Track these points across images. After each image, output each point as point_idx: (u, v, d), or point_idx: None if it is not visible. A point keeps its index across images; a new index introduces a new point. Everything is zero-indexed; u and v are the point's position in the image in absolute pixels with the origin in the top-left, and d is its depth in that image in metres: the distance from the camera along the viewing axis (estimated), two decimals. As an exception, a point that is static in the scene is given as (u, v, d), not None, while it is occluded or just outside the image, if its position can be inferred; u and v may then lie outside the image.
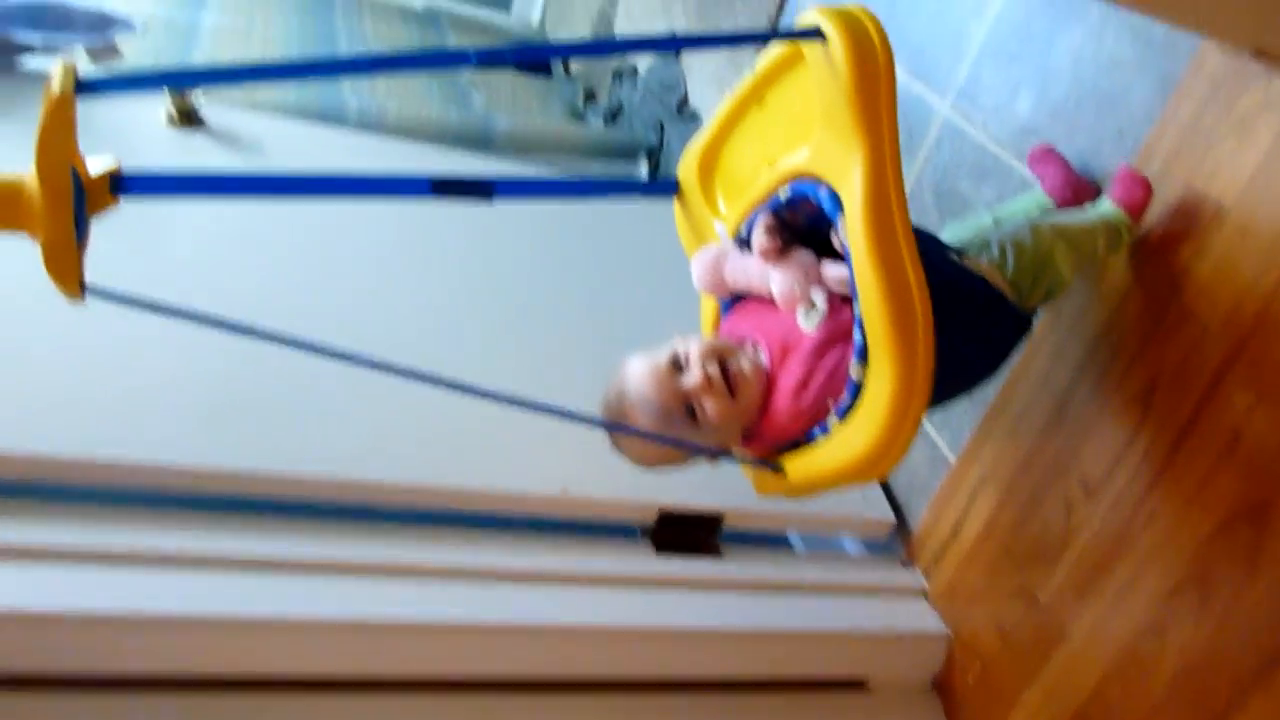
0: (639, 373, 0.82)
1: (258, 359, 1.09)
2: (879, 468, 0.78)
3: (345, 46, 2.35)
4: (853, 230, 0.76)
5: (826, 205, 0.81)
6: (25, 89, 1.39)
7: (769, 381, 0.82)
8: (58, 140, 0.65)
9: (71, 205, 0.63)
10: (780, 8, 1.74)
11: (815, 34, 0.77)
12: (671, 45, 0.82)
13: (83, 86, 0.70)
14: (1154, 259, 0.99)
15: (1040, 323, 1.10)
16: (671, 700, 1.10)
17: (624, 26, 2.42)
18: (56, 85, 0.68)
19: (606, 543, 1.14)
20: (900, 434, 0.77)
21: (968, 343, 0.89)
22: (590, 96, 2.53)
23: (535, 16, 3.08)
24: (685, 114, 2.03)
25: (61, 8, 1.41)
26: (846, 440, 0.77)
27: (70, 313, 0.68)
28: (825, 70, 0.78)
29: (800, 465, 0.85)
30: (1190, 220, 0.96)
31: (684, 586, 1.12)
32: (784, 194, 0.88)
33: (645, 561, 1.12)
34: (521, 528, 1.12)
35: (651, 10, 2.27)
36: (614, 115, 2.31)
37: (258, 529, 0.99)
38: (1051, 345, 1.09)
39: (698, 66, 2.02)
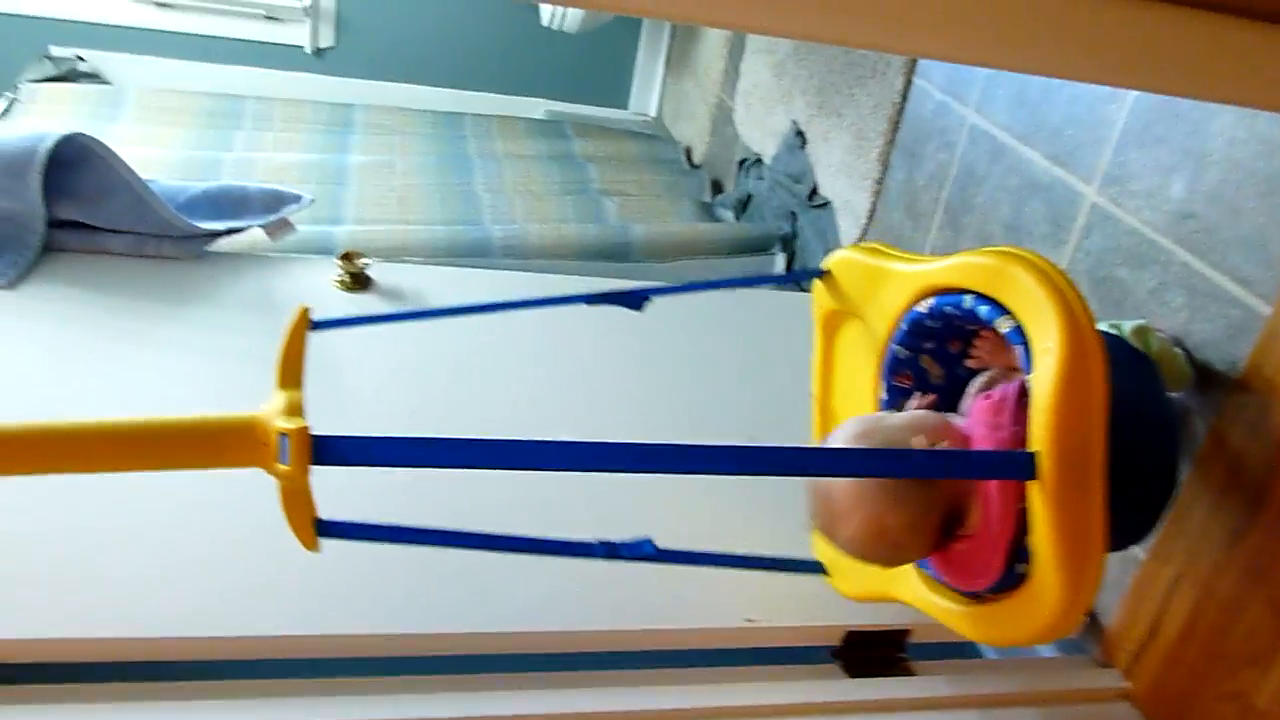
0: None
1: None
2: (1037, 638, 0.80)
3: (479, 165, 2.47)
4: (1039, 427, 0.75)
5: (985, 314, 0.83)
6: (212, 273, 1.53)
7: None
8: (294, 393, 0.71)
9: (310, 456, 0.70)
10: (904, 95, 1.76)
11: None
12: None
13: (314, 325, 0.77)
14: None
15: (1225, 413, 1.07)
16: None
17: (743, 117, 2.47)
18: (292, 324, 0.75)
19: (795, 671, 1.14)
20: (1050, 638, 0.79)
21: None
22: (718, 189, 2.58)
23: (652, 109, 3.17)
24: (815, 202, 2.05)
25: (239, 192, 1.54)
26: (993, 617, 0.80)
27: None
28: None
29: (929, 600, 0.87)
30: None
31: (881, 710, 1.11)
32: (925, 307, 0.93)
33: (838, 686, 1.12)
34: (700, 663, 1.14)
35: (770, 99, 2.31)
36: (743, 206, 2.35)
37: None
38: (1241, 433, 1.06)
39: (824, 155, 2.04)
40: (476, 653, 1.08)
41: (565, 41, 2.87)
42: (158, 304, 1.45)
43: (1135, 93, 1.23)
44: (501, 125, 2.74)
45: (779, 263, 2.10)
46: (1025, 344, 0.80)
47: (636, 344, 1.54)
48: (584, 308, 1.06)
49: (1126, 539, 1.02)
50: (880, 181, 1.84)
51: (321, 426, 0.68)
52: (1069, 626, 0.75)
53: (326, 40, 2.94)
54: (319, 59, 2.95)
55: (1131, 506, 0.81)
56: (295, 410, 0.71)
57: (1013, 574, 0.79)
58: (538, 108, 2.97)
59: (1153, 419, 1.00)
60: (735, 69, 2.52)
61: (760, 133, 2.35)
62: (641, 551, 0.89)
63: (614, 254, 2.02)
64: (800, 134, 2.14)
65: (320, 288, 1.53)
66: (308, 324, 0.77)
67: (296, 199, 1.54)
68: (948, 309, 0.92)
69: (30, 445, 0.70)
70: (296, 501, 0.72)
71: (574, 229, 2.08)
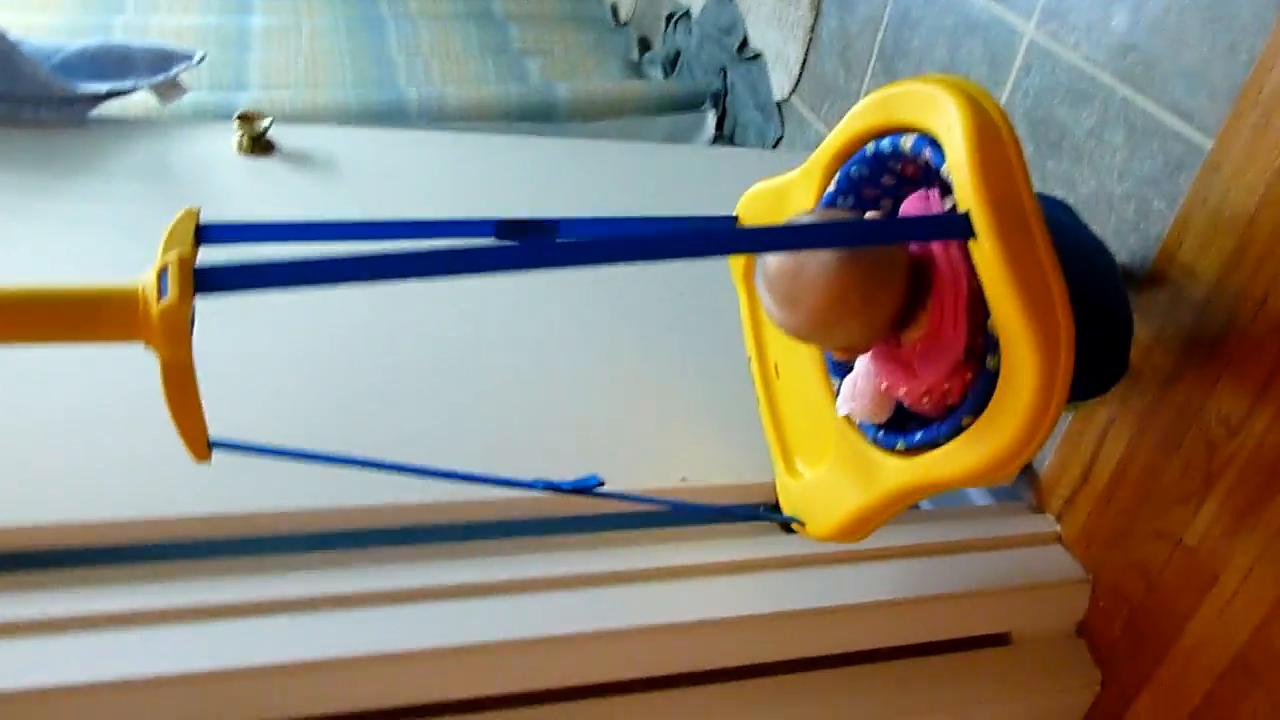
0: None
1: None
2: (1023, 456, 0.77)
3: (393, 26, 2.33)
4: (963, 188, 0.74)
5: (930, 153, 0.79)
6: (96, 140, 1.41)
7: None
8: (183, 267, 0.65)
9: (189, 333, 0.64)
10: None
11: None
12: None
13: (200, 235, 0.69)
14: (1284, 179, 0.93)
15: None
16: (812, 677, 1.10)
17: (670, -32, 2.34)
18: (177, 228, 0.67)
19: (729, 530, 1.13)
20: (1042, 426, 0.76)
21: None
22: (645, 45, 2.47)
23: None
24: (746, 54, 1.97)
25: (121, 50, 1.41)
26: (981, 435, 0.75)
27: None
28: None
29: (926, 463, 0.83)
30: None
31: (814, 564, 1.11)
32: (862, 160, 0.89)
33: (771, 543, 1.11)
34: (638, 526, 1.12)
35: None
36: (672, 63, 2.25)
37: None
38: (1178, 271, 1.04)
39: (754, 5, 1.95)
40: (412, 524, 1.04)
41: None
42: (38, 175, 1.33)
43: (1076, -81, 1.17)
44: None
45: (709, 121, 2.02)
46: (933, 141, 0.79)
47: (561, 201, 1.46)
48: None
49: (1096, 384, 1.00)
50: (812, 30, 1.75)
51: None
52: (1056, 393, 0.72)
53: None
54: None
55: (1093, 349, 0.78)
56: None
57: (984, 373, 0.77)
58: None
59: (1095, 255, 0.98)
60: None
61: (689, -19, 2.24)
62: (586, 485, 0.86)
63: (538, 115, 1.92)
64: (729, -14, 2.04)
65: (218, 155, 1.42)
66: (195, 227, 0.69)
67: (187, 56, 1.41)
68: (852, 172, 0.90)
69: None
70: (179, 380, 0.67)
71: (495, 90, 1.97)
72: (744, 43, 1.98)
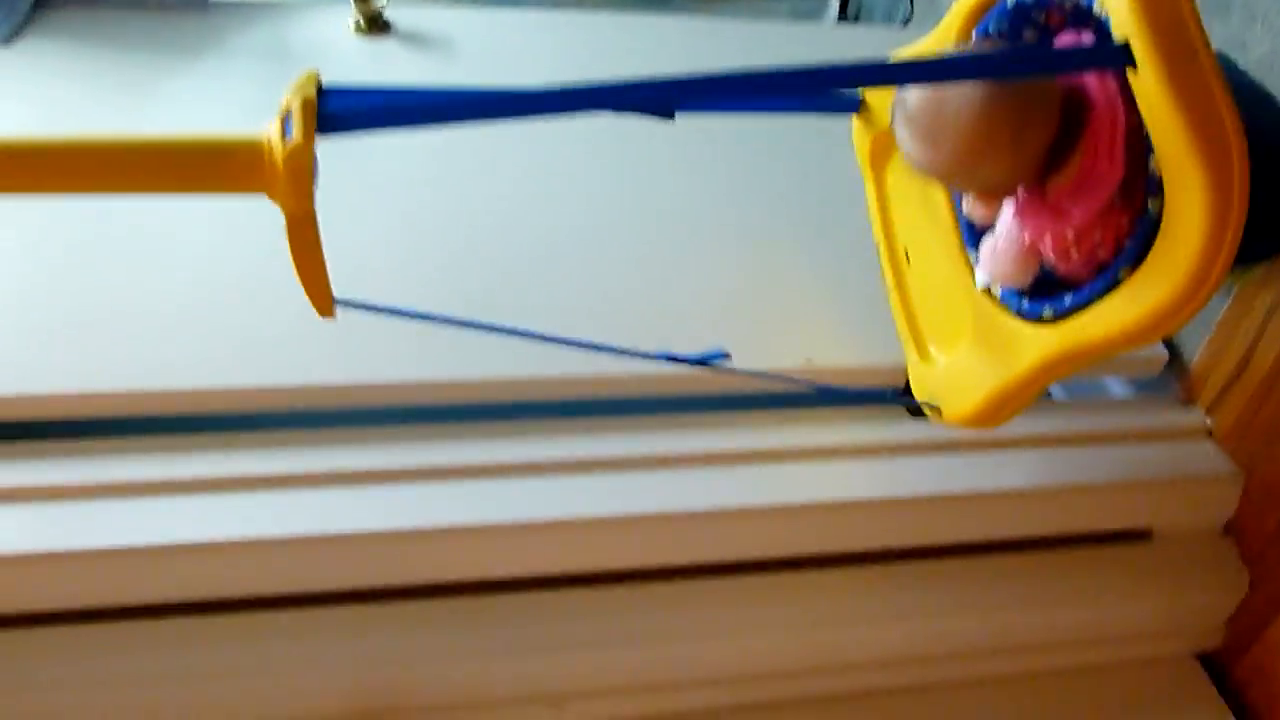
0: None
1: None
2: (1187, 310, 0.71)
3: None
4: (1122, 12, 0.68)
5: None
6: (217, 22, 1.41)
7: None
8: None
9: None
10: None
11: None
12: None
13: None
14: None
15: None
16: (945, 565, 1.07)
17: None
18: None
19: (857, 413, 1.09)
20: (1213, 273, 0.69)
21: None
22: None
23: None
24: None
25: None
26: (1141, 287, 0.70)
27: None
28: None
29: (1077, 327, 0.78)
30: None
31: (945, 449, 1.07)
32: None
33: (902, 427, 1.07)
34: (764, 406, 1.09)
35: None
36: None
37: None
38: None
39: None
40: (530, 399, 1.03)
41: None
42: (162, 56, 1.34)
43: None
44: None
45: (834, 5, 1.93)
46: None
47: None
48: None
49: (1269, 244, 0.92)
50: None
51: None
52: (1230, 233, 0.66)
53: None
54: None
55: (1269, 200, 0.71)
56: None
57: (1144, 219, 0.71)
58: None
59: (1271, 100, 0.90)
60: None
61: None
62: (711, 358, 0.83)
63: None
64: None
65: (336, 36, 1.41)
66: (317, 85, 0.67)
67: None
68: (990, 28, 0.84)
69: (22, 159, 0.63)
70: (304, 232, 0.65)
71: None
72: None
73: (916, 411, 1.07)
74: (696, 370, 0.86)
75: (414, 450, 0.97)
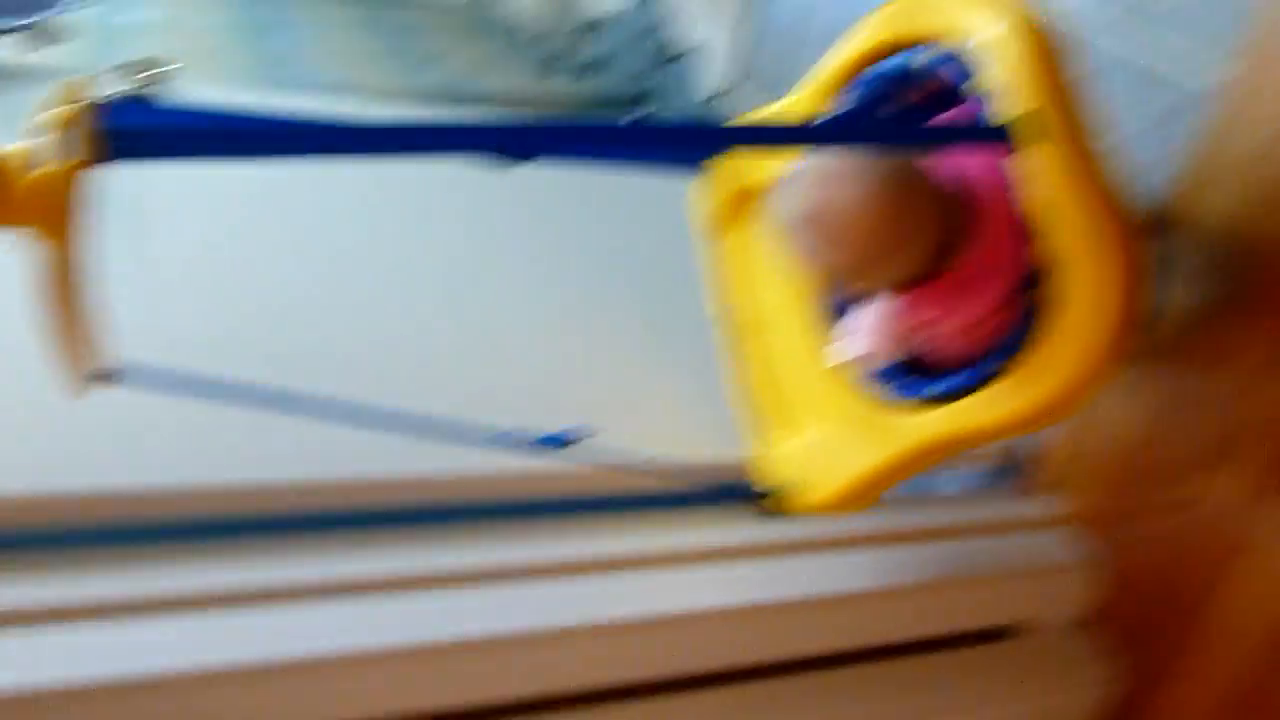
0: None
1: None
2: (1087, 391, 0.70)
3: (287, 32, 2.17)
4: (1011, 94, 0.69)
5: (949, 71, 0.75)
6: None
7: None
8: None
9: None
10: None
11: None
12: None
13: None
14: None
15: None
16: (794, 682, 0.95)
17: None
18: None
19: (695, 512, 0.98)
20: (1113, 350, 0.67)
21: None
22: (557, 59, 2.37)
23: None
24: (673, 54, 1.88)
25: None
26: (1038, 369, 0.69)
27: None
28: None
29: (965, 411, 0.74)
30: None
31: (792, 550, 0.96)
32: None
33: (743, 528, 0.97)
34: (601, 509, 0.96)
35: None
36: (594, 71, 2.15)
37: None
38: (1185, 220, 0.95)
39: (681, 2, 1.87)
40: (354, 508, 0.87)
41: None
42: None
43: None
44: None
45: (634, 123, 1.92)
46: (951, 57, 0.73)
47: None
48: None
49: None
50: (745, 19, 1.68)
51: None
52: (1130, 309, 0.64)
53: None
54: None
55: None
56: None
57: (1037, 300, 0.70)
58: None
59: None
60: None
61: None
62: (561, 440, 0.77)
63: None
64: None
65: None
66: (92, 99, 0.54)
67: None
68: (849, 99, 0.83)
69: None
70: (64, 273, 0.51)
71: (405, 81, 1.84)
72: (671, 42, 1.90)
73: (764, 507, 0.97)
74: (511, 468, 0.74)
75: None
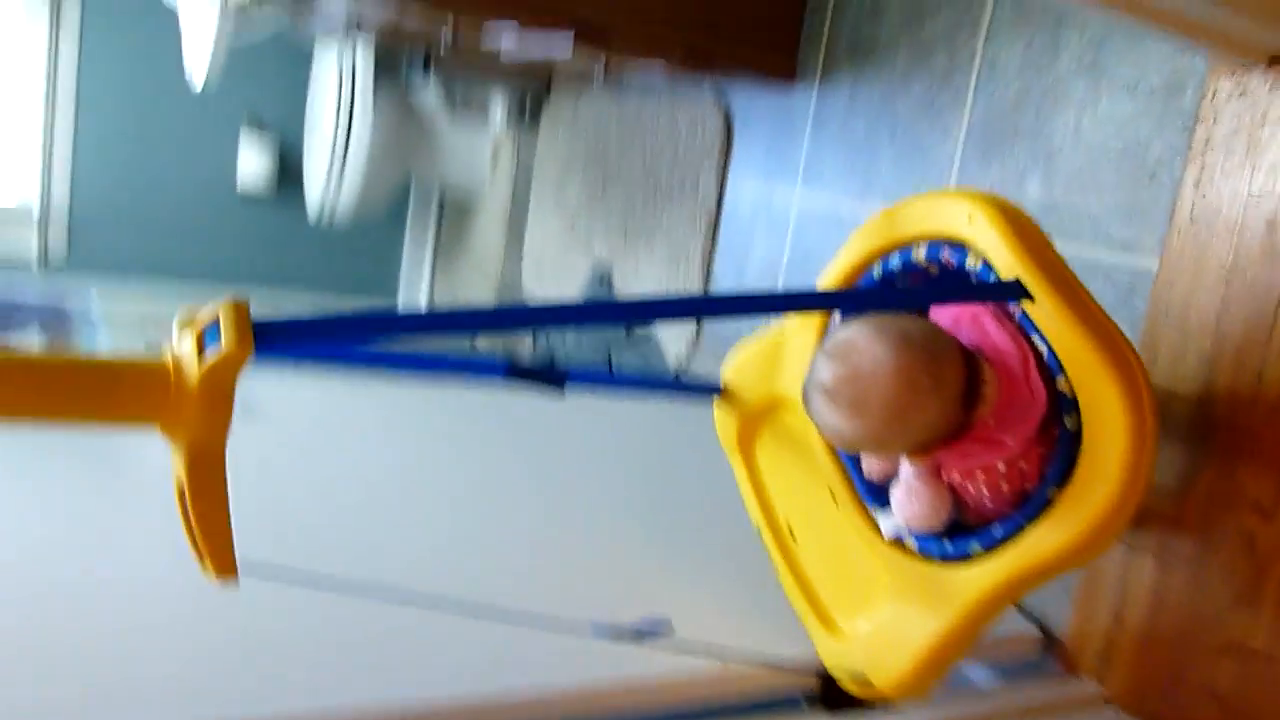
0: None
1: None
2: (1126, 514, 0.74)
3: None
4: (1007, 259, 0.78)
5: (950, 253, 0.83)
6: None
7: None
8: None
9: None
10: (719, 196, 1.80)
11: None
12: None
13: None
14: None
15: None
16: None
17: (535, 277, 2.44)
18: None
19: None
20: (1141, 476, 0.73)
21: None
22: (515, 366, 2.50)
23: (423, 296, 3.09)
24: (635, 335, 2.02)
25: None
26: (1075, 503, 0.74)
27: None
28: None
29: (1016, 555, 0.78)
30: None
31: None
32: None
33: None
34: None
35: (567, 250, 2.31)
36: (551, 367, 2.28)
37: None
38: (1166, 359, 1.07)
39: (636, 286, 2.04)
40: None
41: (331, 235, 2.77)
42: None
43: (964, 128, 1.32)
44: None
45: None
46: (947, 244, 0.83)
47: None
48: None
49: None
50: (705, 291, 1.84)
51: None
52: (1149, 437, 0.72)
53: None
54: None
55: None
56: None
57: (1063, 437, 0.75)
58: (303, 301, 2.81)
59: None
60: (518, 236, 2.52)
61: (558, 288, 2.33)
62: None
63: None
64: (603, 277, 2.14)
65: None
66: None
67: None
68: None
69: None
70: (209, 471, 0.56)
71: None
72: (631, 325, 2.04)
73: (836, 706, 0.97)
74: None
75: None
